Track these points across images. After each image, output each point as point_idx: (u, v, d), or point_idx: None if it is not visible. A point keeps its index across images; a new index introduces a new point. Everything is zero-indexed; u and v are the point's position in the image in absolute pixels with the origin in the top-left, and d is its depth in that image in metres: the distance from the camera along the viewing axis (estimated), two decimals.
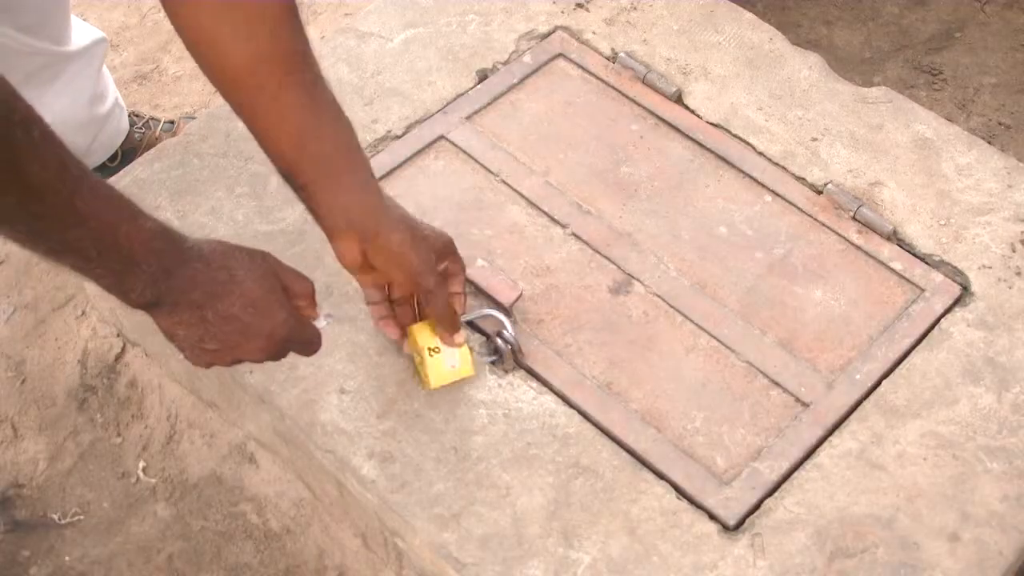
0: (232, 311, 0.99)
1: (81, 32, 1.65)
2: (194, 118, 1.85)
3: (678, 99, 1.55)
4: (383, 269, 1.14)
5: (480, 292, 1.34)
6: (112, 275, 0.91)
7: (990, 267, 1.39)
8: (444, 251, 1.18)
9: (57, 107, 1.61)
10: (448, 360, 1.22)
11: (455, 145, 1.50)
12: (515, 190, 1.46)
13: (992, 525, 1.19)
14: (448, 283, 1.20)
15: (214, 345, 1.01)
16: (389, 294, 1.23)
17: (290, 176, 1.09)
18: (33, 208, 0.82)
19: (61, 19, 1.59)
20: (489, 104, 1.55)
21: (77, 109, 1.67)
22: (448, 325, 1.20)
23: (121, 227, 0.89)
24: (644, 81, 1.56)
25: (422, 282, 1.15)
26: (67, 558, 1.41)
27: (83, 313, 1.63)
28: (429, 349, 1.21)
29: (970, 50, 2.07)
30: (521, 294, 1.34)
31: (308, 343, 1.10)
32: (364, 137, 1.50)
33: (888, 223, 1.41)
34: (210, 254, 0.98)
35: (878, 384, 1.30)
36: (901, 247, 1.41)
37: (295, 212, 1.42)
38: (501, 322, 1.30)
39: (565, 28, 1.63)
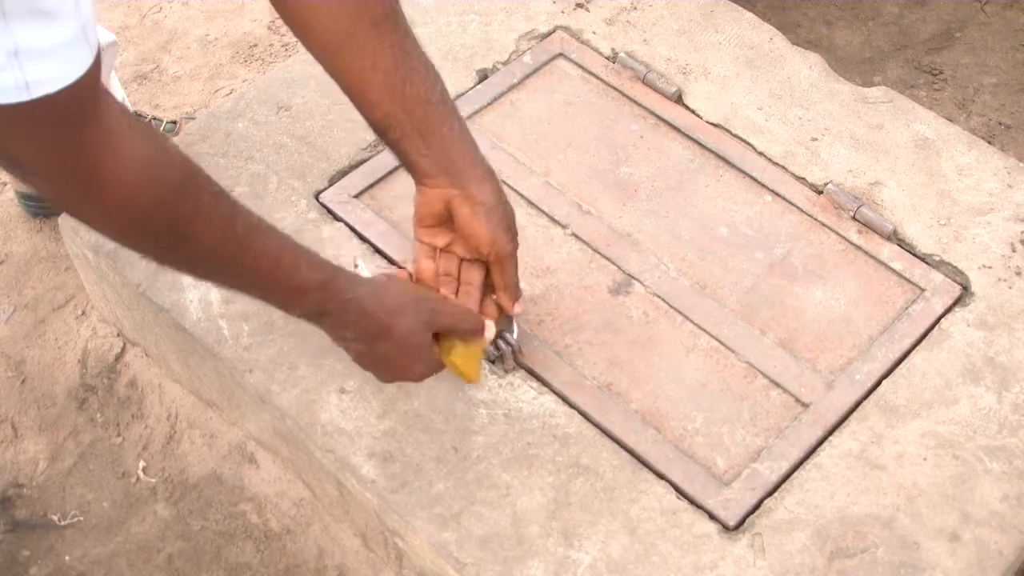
0: (378, 353, 1.11)
1: None
2: (194, 118, 1.85)
3: (678, 99, 1.55)
4: (463, 224, 1.16)
5: None
6: (273, 305, 1.04)
7: (990, 267, 1.39)
8: (513, 224, 1.19)
9: None
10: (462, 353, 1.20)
11: None
12: (515, 190, 1.46)
13: (992, 525, 1.19)
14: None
15: (354, 357, 1.13)
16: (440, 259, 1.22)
17: (384, 130, 1.14)
18: (199, 263, 0.96)
19: None
20: (489, 104, 1.55)
21: None
22: (513, 293, 1.21)
23: (280, 278, 0.99)
24: (644, 81, 1.56)
25: (501, 240, 1.16)
26: (67, 558, 1.41)
27: (83, 313, 1.63)
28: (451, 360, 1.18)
29: (970, 50, 2.07)
30: (521, 295, 1.34)
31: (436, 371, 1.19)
32: (364, 137, 1.50)
33: (888, 223, 1.41)
34: (373, 310, 1.07)
35: (878, 384, 1.30)
36: (901, 247, 1.41)
37: (295, 212, 1.42)
38: (509, 320, 1.30)
39: (565, 28, 1.63)
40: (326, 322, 1.07)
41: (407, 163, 1.16)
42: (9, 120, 0.75)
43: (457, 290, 1.22)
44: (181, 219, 0.89)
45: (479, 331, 1.18)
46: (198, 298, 1.36)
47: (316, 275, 1.02)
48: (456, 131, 1.14)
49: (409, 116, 1.11)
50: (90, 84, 0.78)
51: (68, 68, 0.75)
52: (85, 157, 0.80)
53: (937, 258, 1.40)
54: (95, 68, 0.78)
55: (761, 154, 1.50)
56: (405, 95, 1.11)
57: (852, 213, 1.43)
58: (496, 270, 1.19)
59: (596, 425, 1.27)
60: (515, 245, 1.18)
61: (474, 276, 1.21)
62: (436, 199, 1.15)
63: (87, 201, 0.84)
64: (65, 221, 1.46)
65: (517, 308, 1.23)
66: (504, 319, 1.30)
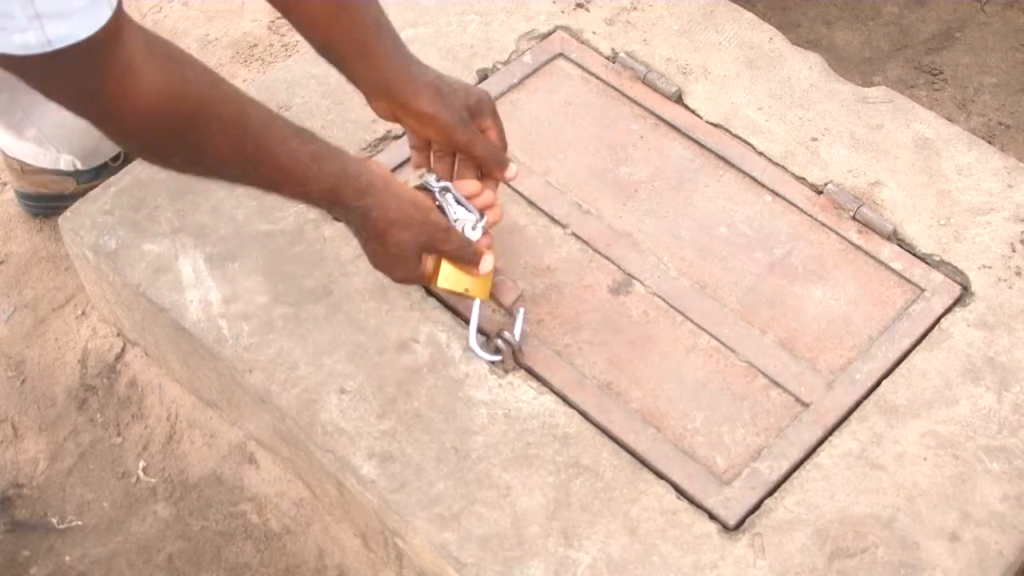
0: (369, 249, 1.20)
1: None
2: None
3: (678, 99, 1.55)
4: (415, 129, 1.26)
5: None
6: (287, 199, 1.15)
7: (990, 267, 1.39)
8: (478, 106, 1.26)
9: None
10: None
11: None
12: (515, 190, 1.46)
13: (992, 525, 1.19)
14: (486, 136, 1.28)
15: (353, 232, 1.20)
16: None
17: (325, 51, 1.22)
18: (214, 174, 1.09)
19: None
20: None
21: None
22: (494, 164, 1.28)
23: (288, 189, 1.11)
24: (644, 81, 1.56)
25: (454, 136, 1.24)
26: (67, 558, 1.41)
27: (83, 313, 1.63)
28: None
29: (970, 50, 2.07)
30: (521, 294, 1.34)
31: None
32: (364, 137, 1.50)
33: (888, 223, 1.41)
34: (374, 219, 1.15)
35: (878, 384, 1.30)
36: (901, 247, 1.41)
37: (295, 212, 1.42)
38: (513, 321, 1.30)
39: (565, 28, 1.63)
40: (332, 214, 1.16)
41: (351, 82, 1.24)
42: (37, 67, 0.85)
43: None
44: (191, 143, 1.00)
45: (475, 263, 1.24)
46: (198, 298, 1.36)
47: (323, 184, 1.10)
48: (391, 52, 1.21)
49: (345, 39, 1.19)
50: (110, 33, 0.87)
51: (87, 24, 0.84)
52: (103, 92, 0.91)
53: (937, 258, 1.40)
54: (116, 15, 0.87)
55: (761, 154, 1.50)
56: (339, 20, 1.18)
57: (852, 213, 1.43)
58: (472, 153, 1.26)
59: (596, 425, 1.27)
60: (470, 132, 1.24)
61: (467, 172, 1.28)
62: (386, 110, 1.24)
63: (108, 128, 0.97)
64: (65, 221, 1.46)
65: (508, 173, 1.29)
66: (510, 320, 1.31)
